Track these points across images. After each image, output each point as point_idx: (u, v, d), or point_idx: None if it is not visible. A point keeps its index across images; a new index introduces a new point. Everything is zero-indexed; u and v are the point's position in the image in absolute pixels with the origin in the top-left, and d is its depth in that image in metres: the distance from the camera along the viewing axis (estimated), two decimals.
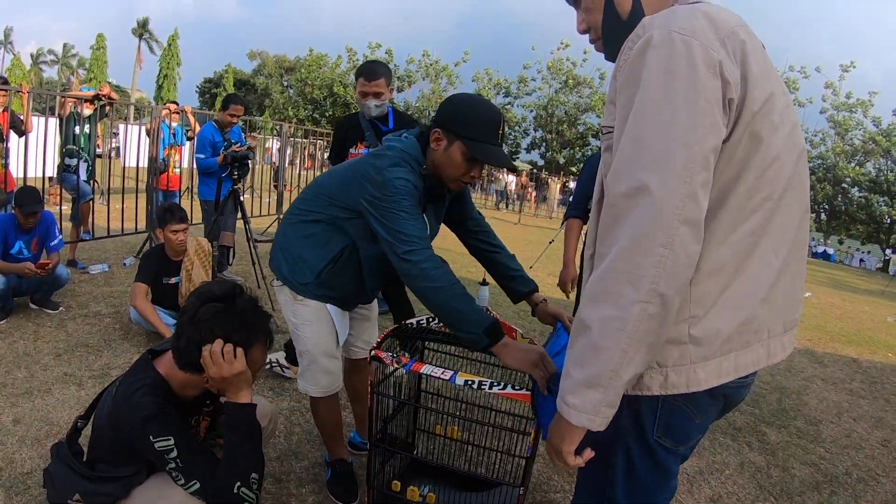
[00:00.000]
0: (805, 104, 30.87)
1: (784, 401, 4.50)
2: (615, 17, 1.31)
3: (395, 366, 1.99)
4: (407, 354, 2.14)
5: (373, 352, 2.02)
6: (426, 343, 2.43)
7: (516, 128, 33.20)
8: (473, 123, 1.91)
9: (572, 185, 22.06)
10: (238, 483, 1.64)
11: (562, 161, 31.43)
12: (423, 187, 2.01)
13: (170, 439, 1.61)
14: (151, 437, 1.59)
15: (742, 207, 1.15)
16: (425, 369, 1.91)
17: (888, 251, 32.05)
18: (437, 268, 1.83)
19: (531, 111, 32.93)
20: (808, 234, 1.32)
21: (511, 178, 24.95)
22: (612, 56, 1.30)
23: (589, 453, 1.24)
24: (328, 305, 2.22)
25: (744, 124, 1.12)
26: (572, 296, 3.75)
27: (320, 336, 2.23)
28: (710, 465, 3.32)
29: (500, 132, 1.96)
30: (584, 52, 31.28)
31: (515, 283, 2.29)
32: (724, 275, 1.17)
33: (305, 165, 14.43)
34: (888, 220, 32.37)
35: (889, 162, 31.65)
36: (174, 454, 1.61)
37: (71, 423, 1.97)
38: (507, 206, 24.43)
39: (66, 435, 1.92)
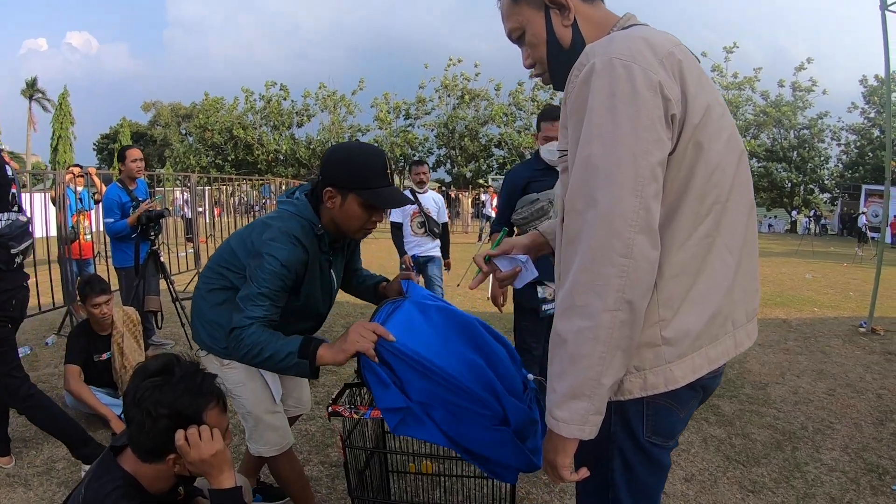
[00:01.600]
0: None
1: (728, 371, 4.71)
2: (558, 47, 1.40)
3: (355, 416, 1.95)
4: (364, 403, 2.12)
5: (329, 408, 1.98)
6: None
7: (420, 148, 33.50)
8: (362, 174, 1.95)
9: (483, 197, 22.39)
10: None
11: (469, 175, 31.94)
12: (325, 244, 2.08)
13: None
14: None
15: (695, 213, 1.24)
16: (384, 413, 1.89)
17: (793, 212, 34.44)
18: (255, 339, 1.86)
19: (432, 130, 33.37)
20: (756, 227, 1.42)
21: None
22: (559, 85, 1.40)
23: (585, 471, 1.29)
24: None
25: (687, 136, 1.20)
26: (505, 309, 3.81)
27: (257, 394, 2.22)
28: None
29: (389, 172, 2.02)
30: (476, 66, 32.04)
31: (371, 282, 2.47)
32: (686, 277, 1.24)
33: (215, 214, 14.04)
34: (789, 184, 34.72)
35: (781, 130, 33.99)
36: None
37: None
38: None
39: None
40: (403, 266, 5.83)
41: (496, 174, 31.03)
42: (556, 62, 1.42)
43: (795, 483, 3.09)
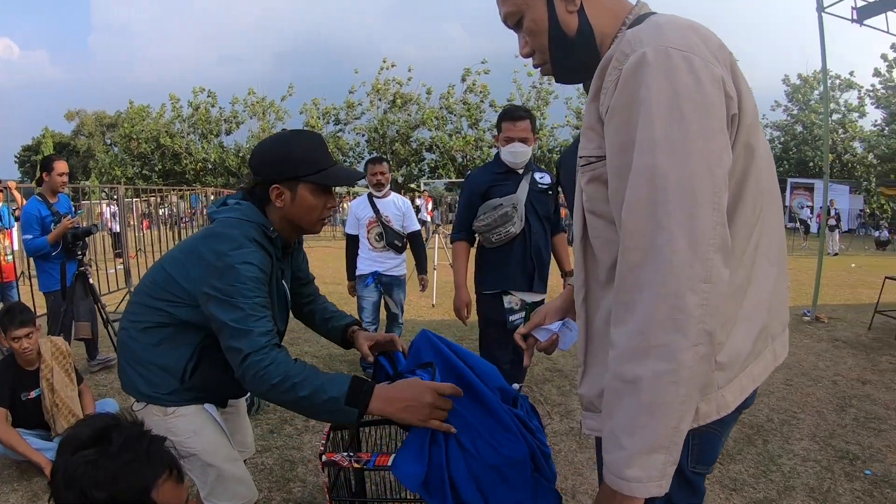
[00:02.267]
0: None
1: None
2: (561, 36, 1.22)
3: (356, 465, 1.69)
4: (363, 451, 1.88)
5: (323, 457, 1.71)
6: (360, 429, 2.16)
7: (350, 153, 33.02)
8: (307, 158, 1.77)
9: (418, 201, 22.19)
10: None
11: (400, 180, 31.70)
12: (279, 249, 1.84)
13: None
14: None
15: (748, 223, 1.12)
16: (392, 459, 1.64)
17: None
18: (287, 369, 1.58)
19: (363, 135, 32.94)
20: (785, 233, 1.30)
21: None
22: (562, 77, 1.27)
23: None
24: (206, 406, 1.88)
25: (742, 138, 1.07)
26: (469, 321, 3.65)
27: (215, 442, 1.87)
28: None
29: (331, 152, 1.87)
30: (409, 70, 31.86)
31: (339, 322, 2.15)
32: (739, 294, 1.13)
33: (143, 226, 13.38)
34: None
35: None
36: None
37: None
38: None
39: None
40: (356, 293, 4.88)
41: (428, 178, 30.87)
42: (559, 52, 1.25)
43: (773, 476, 3.05)
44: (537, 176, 3.38)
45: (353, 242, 4.91)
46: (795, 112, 33.73)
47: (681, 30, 1.04)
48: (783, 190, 25.90)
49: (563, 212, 5.36)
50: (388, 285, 4.82)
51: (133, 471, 1.19)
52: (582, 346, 1.26)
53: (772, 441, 3.49)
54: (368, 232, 4.79)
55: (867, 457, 3.28)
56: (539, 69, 1.31)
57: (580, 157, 1.19)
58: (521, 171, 3.36)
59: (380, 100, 32.39)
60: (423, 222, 19.77)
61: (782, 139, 34.32)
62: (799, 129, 33.10)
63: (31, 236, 4.61)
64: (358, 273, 4.87)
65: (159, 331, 1.78)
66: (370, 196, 4.85)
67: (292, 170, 1.75)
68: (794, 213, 20.72)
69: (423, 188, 23.73)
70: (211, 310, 1.64)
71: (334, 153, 33.10)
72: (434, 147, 31.88)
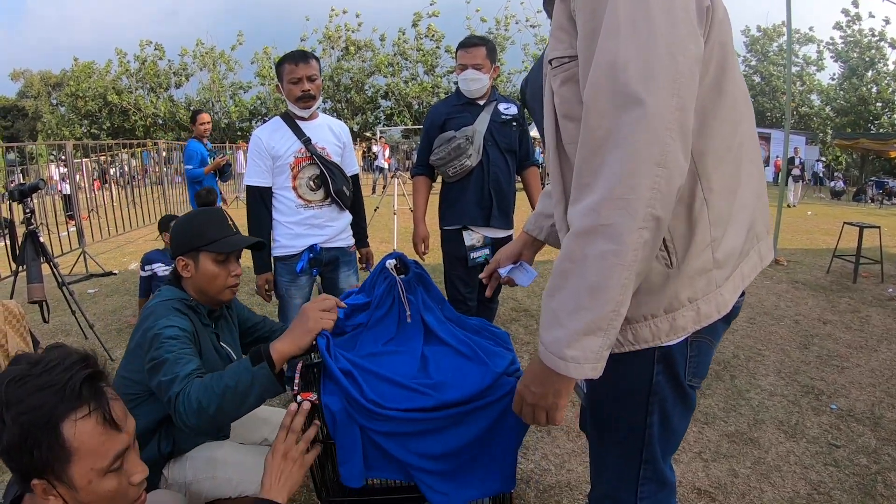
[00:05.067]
0: None
1: None
2: None
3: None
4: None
5: (299, 397, 1.65)
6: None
7: None
8: (203, 231, 1.92)
9: (375, 148, 21.75)
10: None
11: (356, 128, 31.14)
12: (203, 315, 1.94)
13: None
14: None
15: (731, 120, 1.10)
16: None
17: None
18: (201, 385, 1.56)
19: None
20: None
21: None
22: None
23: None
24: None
25: (714, 33, 1.04)
26: (428, 257, 3.58)
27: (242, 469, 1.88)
28: None
29: (230, 223, 1.98)
30: (357, 16, 31.06)
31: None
32: (730, 190, 1.11)
33: (94, 187, 12.90)
34: None
35: None
36: None
37: None
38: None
39: None
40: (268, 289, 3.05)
41: (384, 126, 30.38)
42: None
43: (743, 410, 3.12)
44: (501, 107, 3.22)
45: (262, 201, 2.96)
46: (754, 63, 33.94)
47: None
48: None
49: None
50: (332, 266, 3.09)
51: (44, 396, 1.08)
52: None
53: (739, 377, 3.56)
54: (295, 177, 2.91)
55: (831, 392, 3.37)
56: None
57: (551, 62, 1.14)
58: (481, 103, 3.19)
59: (332, 47, 31.59)
60: (380, 169, 19.52)
61: None
62: (757, 79, 33.33)
63: (191, 167, 6.08)
64: (277, 254, 3.00)
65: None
66: (288, 117, 2.97)
67: (191, 242, 1.90)
68: None
69: (379, 136, 23.31)
70: (152, 380, 1.65)
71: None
72: (390, 94, 31.37)
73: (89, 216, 9.67)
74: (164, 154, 13.32)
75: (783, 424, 2.97)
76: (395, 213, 8.40)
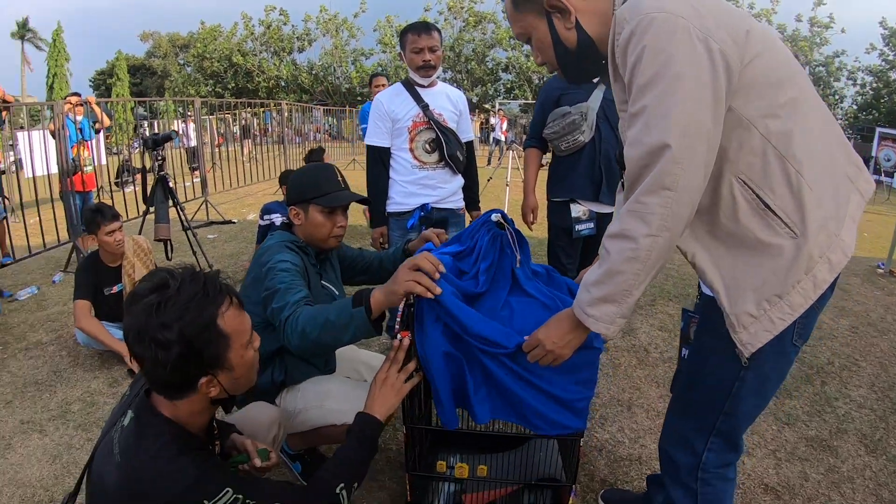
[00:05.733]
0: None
1: None
2: (564, 51, 1.50)
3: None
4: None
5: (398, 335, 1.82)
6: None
7: None
8: (314, 184, 2.16)
9: (493, 120, 21.81)
10: (342, 485, 1.50)
11: (475, 99, 31.21)
12: (311, 256, 2.20)
13: (228, 491, 1.31)
14: (207, 502, 1.29)
15: (796, 105, 1.35)
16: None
17: None
18: (308, 314, 1.79)
19: None
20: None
21: None
22: (574, 80, 1.60)
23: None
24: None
25: (760, 56, 1.30)
26: (536, 228, 3.68)
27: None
28: None
29: (340, 179, 2.20)
30: None
31: (398, 252, 2.47)
32: (811, 154, 1.35)
33: (216, 143, 13.74)
34: None
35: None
36: (241, 500, 1.34)
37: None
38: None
39: None
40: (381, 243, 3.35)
41: (503, 99, 30.32)
42: (565, 62, 1.53)
43: (827, 417, 3.06)
44: None
45: (377, 159, 3.24)
46: (892, 58, 30.95)
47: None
48: (870, 140, 24.22)
49: None
50: (441, 225, 3.23)
51: (196, 304, 1.29)
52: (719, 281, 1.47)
53: (830, 384, 3.47)
54: (412, 140, 3.15)
55: None
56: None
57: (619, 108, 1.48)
58: (595, 80, 3.19)
59: (455, 18, 31.72)
60: (497, 141, 19.70)
61: (874, 85, 31.55)
62: (894, 76, 30.35)
63: (365, 125, 6.33)
64: (391, 210, 3.27)
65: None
66: (409, 84, 3.21)
67: (303, 194, 2.16)
68: (880, 166, 19.35)
69: (497, 108, 23.36)
70: (266, 308, 1.92)
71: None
72: (510, 67, 31.24)
73: (212, 168, 10.39)
74: (285, 115, 14.03)
75: (866, 438, 2.90)
76: (507, 185, 8.55)
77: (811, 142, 1.34)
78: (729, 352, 1.42)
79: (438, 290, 1.64)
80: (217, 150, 12.38)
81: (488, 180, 9.13)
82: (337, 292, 2.30)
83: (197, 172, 9.49)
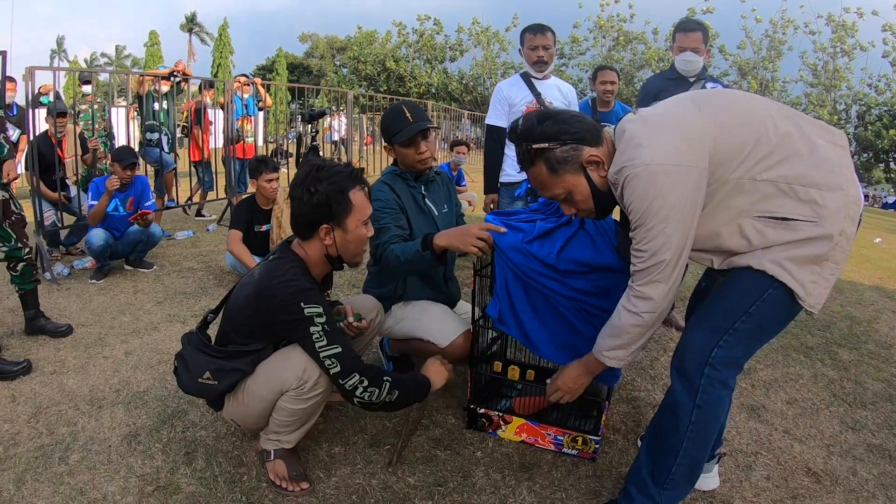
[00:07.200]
0: (867, 48, 26.88)
1: (854, 328, 4.51)
2: (601, 195, 1.84)
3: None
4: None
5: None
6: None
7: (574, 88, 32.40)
8: (391, 125, 2.68)
9: None
10: (374, 387, 1.97)
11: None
12: (411, 179, 2.79)
13: (319, 307, 1.91)
14: (302, 304, 1.89)
15: (773, 151, 1.68)
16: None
17: None
18: (394, 250, 2.47)
19: (586, 71, 32.19)
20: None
21: None
22: (603, 216, 1.97)
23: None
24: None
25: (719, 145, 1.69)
26: None
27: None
28: (785, 375, 3.50)
29: (408, 114, 2.64)
30: (630, 7, 30.32)
31: None
32: (796, 161, 1.68)
33: (366, 142, 14.66)
34: None
35: None
36: (322, 319, 1.91)
37: (200, 319, 2.26)
38: None
39: (197, 326, 2.20)
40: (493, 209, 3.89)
41: None
42: (602, 204, 1.87)
43: None
44: (709, 85, 3.56)
45: (497, 138, 3.83)
46: None
47: (634, 149, 1.67)
48: None
49: None
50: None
51: (340, 177, 1.97)
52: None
53: None
54: None
55: None
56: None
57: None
58: (692, 80, 3.55)
59: (604, 37, 31.47)
60: None
61: None
62: None
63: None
64: (504, 180, 3.88)
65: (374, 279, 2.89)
66: (526, 76, 3.89)
67: (386, 135, 2.73)
68: None
69: None
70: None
71: None
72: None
73: (359, 162, 11.23)
74: (433, 115, 14.78)
75: None
76: None
77: (799, 150, 1.67)
78: (754, 288, 1.74)
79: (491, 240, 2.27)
80: (365, 146, 13.28)
81: None
82: (436, 212, 2.84)
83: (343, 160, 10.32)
